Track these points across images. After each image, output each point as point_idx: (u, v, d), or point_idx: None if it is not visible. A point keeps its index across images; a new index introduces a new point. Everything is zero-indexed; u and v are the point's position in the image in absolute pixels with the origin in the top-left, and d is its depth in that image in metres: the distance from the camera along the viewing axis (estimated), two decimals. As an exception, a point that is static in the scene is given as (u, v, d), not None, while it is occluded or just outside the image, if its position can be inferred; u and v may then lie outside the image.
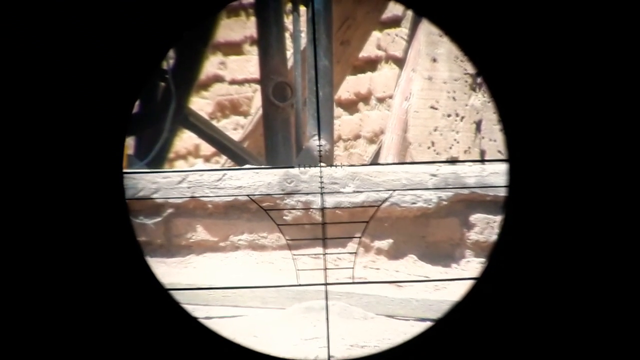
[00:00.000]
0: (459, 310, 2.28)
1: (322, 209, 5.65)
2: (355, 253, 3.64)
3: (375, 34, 9.89)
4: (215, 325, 2.42)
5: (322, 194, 5.74)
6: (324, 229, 5.06)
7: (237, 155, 8.07)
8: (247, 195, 5.81)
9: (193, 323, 2.36)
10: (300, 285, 2.89)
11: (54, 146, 2.26)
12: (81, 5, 2.21)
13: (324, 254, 3.02)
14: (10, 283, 2.27)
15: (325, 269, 2.83)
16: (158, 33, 2.24)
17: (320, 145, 6.00)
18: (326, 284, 2.83)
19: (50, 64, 2.24)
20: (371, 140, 9.82)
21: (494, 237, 5.91)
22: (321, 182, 5.54)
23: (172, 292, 2.36)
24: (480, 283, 2.27)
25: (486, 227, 5.96)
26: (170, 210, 6.06)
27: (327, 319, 3.24)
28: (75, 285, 2.28)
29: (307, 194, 5.91)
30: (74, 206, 2.26)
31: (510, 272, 2.21)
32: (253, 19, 9.59)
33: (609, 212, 2.16)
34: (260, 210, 6.03)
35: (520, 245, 2.20)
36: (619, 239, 2.16)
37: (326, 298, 3.13)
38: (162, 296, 2.34)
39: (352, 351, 4.04)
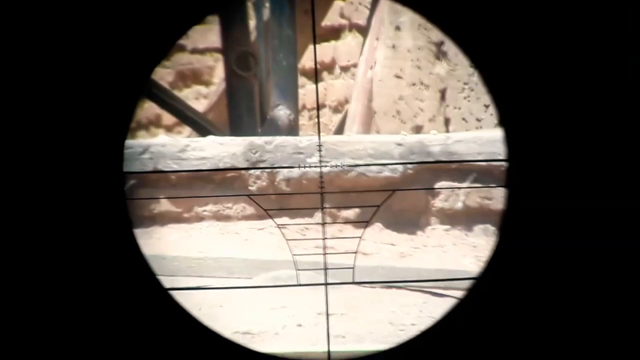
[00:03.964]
0: (459, 310, 2.27)
1: (322, 209, 5.62)
2: (355, 253, 3.64)
3: (338, 3, 9.81)
4: (209, 321, 2.40)
5: (322, 193, 5.69)
6: (324, 229, 5.03)
7: (200, 125, 7.97)
8: (248, 196, 5.74)
9: (193, 323, 2.34)
10: (300, 285, 2.87)
11: (54, 146, 2.23)
12: (82, 5, 2.18)
13: (324, 254, 3.00)
14: (10, 282, 2.24)
15: (326, 269, 2.81)
16: (158, 33, 2.21)
17: (320, 146, 5.95)
18: (326, 284, 2.81)
19: (50, 64, 2.21)
20: (336, 110, 9.78)
21: (458, 205, 5.94)
22: (321, 183, 5.48)
23: (172, 292, 2.34)
24: (480, 283, 2.26)
25: (451, 195, 5.98)
26: (132, 182, 5.98)
27: (328, 319, 3.23)
28: (74, 285, 2.26)
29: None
30: (74, 206, 2.24)
31: (510, 272, 2.20)
32: (214, -13, 9.44)
33: (608, 211, 2.15)
34: (225, 181, 5.97)
35: (520, 245, 2.19)
36: (619, 238, 2.15)
37: (326, 298, 3.12)
38: (162, 296, 2.33)
39: (320, 319, 4.04)
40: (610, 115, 2.16)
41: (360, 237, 4.25)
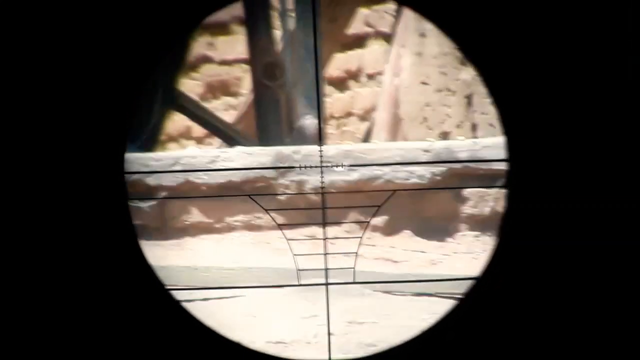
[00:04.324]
0: (459, 310, 2.28)
1: (323, 209, 5.65)
2: (355, 253, 3.66)
3: (364, 11, 9.85)
4: (217, 327, 2.42)
5: (322, 193, 5.73)
6: (324, 229, 5.06)
7: (229, 136, 8.06)
8: (248, 195, 5.80)
9: (193, 323, 2.35)
10: (301, 285, 2.89)
11: (55, 146, 2.25)
12: (83, 5, 2.20)
13: (325, 254, 3.03)
14: (11, 282, 2.26)
15: (326, 269, 2.84)
16: (159, 33, 2.23)
17: (321, 150, 6.00)
18: (327, 284, 2.83)
19: (51, 64, 2.23)
20: (363, 118, 9.81)
21: (487, 210, 5.93)
22: (322, 183, 5.52)
23: (172, 291, 2.35)
24: (481, 283, 2.26)
25: (480, 201, 5.98)
26: (164, 193, 6.06)
27: (328, 319, 3.25)
28: (76, 285, 2.28)
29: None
30: (76, 206, 2.25)
31: (510, 272, 2.20)
32: (240, -2, 9.54)
33: (608, 211, 2.16)
34: (254, 191, 6.03)
35: (520, 245, 2.20)
36: (619, 238, 2.16)
37: (327, 298, 3.14)
38: (162, 296, 2.34)
39: (351, 328, 4.07)
40: (610, 115, 2.17)
41: (360, 237, 4.27)
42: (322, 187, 5.68)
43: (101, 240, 2.31)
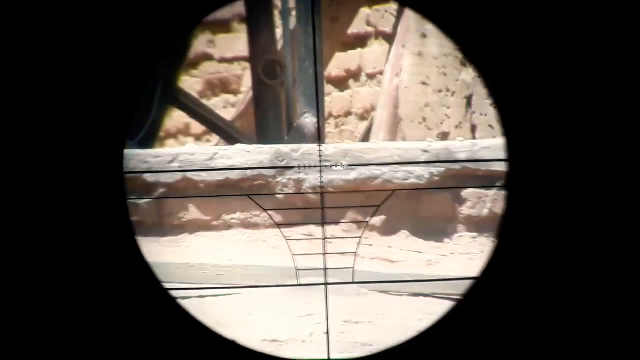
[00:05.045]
0: (459, 310, 2.28)
1: (322, 208, 5.64)
2: (355, 253, 3.65)
3: (364, 10, 9.84)
4: (217, 327, 2.41)
5: (322, 194, 5.72)
6: (324, 229, 5.06)
7: (228, 134, 8.05)
8: (248, 195, 5.79)
9: (193, 323, 2.35)
10: (300, 285, 2.89)
11: (54, 146, 2.24)
12: (84, 4, 2.19)
13: (324, 254, 3.02)
14: (10, 282, 2.26)
15: (326, 269, 2.83)
16: (158, 32, 2.22)
17: (320, 150, 5.99)
18: (326, 284, 2.82)
19: (51, 63, 2.22)
20: (362, 117, 9.81)
21: (484, 211, 5.93)
22: (321, 183, 5.51)
23: (172, 291, 2.35)
24: (481, 283, 2.26)
25: (478, 202, 5.97)
26: (161, 190, 6.05)
27: (327, 319, 3.24)
28: (75, 285, 2.27)
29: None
30: (75, 205, 2.25)
31: (510, 272, 2.20)
32: (241, -4, 9.54)
33: (608, 211, 2.15)
34: (252, 189, 6.02)
35: (520, 245, 2.19)
36: (619, 238, 2.15)
37: (326, 298, 3.13)
38: (162, 296, 2.33)
39: (347, 327, 4.06)
40: (610, 115, 2.16)
41: (359, 237, 4.26)
42: (322, 187, 5.67)
43: (99, 238, 2.30)
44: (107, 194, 2.28)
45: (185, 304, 2.39)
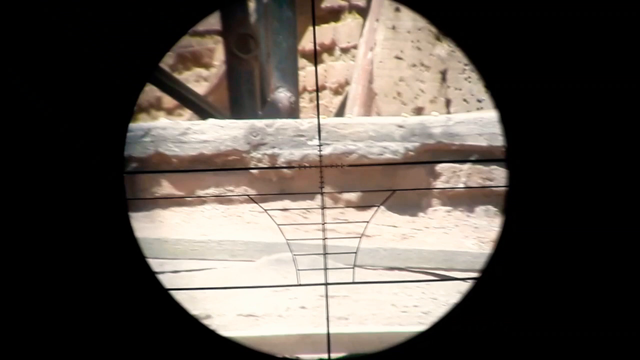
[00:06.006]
0: (458, 310, 2.28)
1: (322, 208, 5.62)
2: (355, 253, 3.64)
3: (338, -16, 9.77)
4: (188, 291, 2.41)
5: (322, 194, 5.69)
6: (323, 229, 5.03)
7: (200, 108, 7.96)
8: (248, 195, 5.74)
9: (193, 323, 2.35)
10: (300, 285, 2.88)
11: (54, 146, 2.22)
12: (84, 5, 2.17)
13: (325, 254, 3.00)
14: (10, 281, 2.24)
15: (326, 269, 2.81)
16: (158, 33, 2.21)
17: (320, 146, 5.95)
18: (326, 284, 2.81)
19: (51, 63, 2.20)
20: (336, 92, 9.76)
21: (459, 186, 5.95)
22: (321, 183, 5.48)
23: (172, 291, 2.34)
24: (480, 283, 2.26)
25: (452, 176, 5.98)
26: (134, 165, 5.99)
27: (327, 319, 3.24)
28: (74, 285, 2.27)
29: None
30: (74, 206, 2.24)
31: (510, 272, 2.20)
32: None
33: (609, 211, 2.15)
34: (226, 164, 5.97)
35: (520, 245, 2.19)
36: (619, 238, 2.16)
37: (326, 298, 3.12)
38: (162, 296, 2.33)
39: (323, 301, 4.06)
40: (610, 114, 2.16)
41: (361, 236, 4.27)
42: (321, 188, 5.63)
43: (99, 240, 2.30)
44: (106, 194, 2.27)
45: (182, 302, 2.39)
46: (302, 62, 9.71)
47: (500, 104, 2.19)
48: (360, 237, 4.14)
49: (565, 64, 2.16)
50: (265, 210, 5.24)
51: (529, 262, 2.23)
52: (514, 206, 2.21)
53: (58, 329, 2.29)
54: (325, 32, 9.94)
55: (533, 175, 2.19)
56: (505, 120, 2.19)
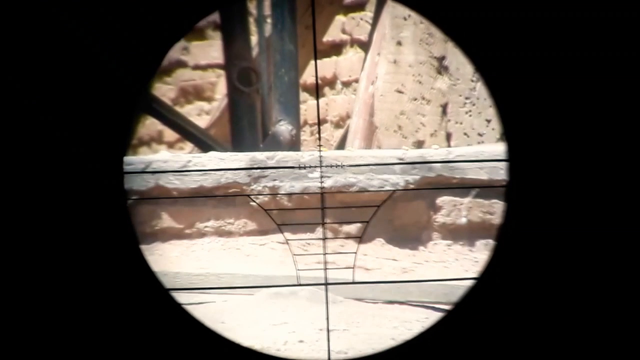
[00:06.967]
0: (458, 310, 2.26)
1: (322, 208, 5.61)
2: (355, 253, 3.63)
3: (340, 18, 9.84)
4: (214, 325, 2.40)
5: (322, 194, 5.68)
6: (323, 229, 5.02)
7: (201, 141, 7.98)
8: (247, 195, 5.74)
9: (193, 323, 2.34)
10: (300, 285, 2.87)
11: (54, 146, 2.23)
12: (84, 5, 2.19)
13: (324, 254, 3.00)
14: (10, 281, 2.24)
15: (325, 269, 2.80)
16: (158, 35, 2.22)
17: (320, 152, 5.98)
18: (326, 284, 2.80)
19: (51, 64, 2.21)
20: (337, 125, 9.79)
21: (460, 220, 5.93)
22: (321, 183, 5.49)
23: (172, 292, 2.34)
24: (480, 283, 2.25)
25: (453, 210, 5.97)
26: (134, 197, 5.98)
27: (327, 319, 3.22)
28: (74, 285, 2.26)
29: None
30: (74, 206, 2.25)
31: (510, 272, 2.19)
32: (216, 3, 9.47)
33: (609, 211, 2.14)
34: (227, 197, 5.97)
35: (520, 245, 2.18)
36: (620, 238, 2.15)
37: (326, 299, 3.11)
38: (162, 296, 2.32)
39: (322, 335, 4.02)
40: (609, 114, 2.16)
41: (360, 238, 4.24)
42: (322, 188, 5.64)
43: (99, 240, 2.29)
44: (106, 194, 2.27)
45: (188, 308, 2.38)
46: (303, 95, 9.75)
47: (500, 104, 2.19)
48: (360, 239, 4.12)
49: (565, 64, 2.16)
50: (266, 210, 5.22)
51: (528, 262, 2.21)
52: (514, 206, 2.20)
53: (59, 330, 2.28)
54: (326, 66, 10.00)
55: (533, 175, 2.18)
56: (505, 120, 2.18)
